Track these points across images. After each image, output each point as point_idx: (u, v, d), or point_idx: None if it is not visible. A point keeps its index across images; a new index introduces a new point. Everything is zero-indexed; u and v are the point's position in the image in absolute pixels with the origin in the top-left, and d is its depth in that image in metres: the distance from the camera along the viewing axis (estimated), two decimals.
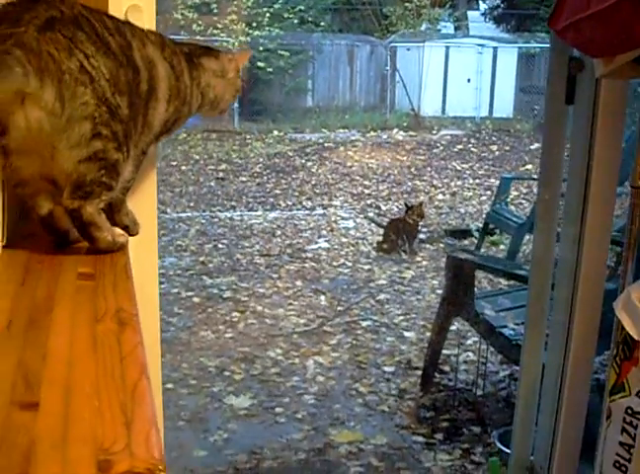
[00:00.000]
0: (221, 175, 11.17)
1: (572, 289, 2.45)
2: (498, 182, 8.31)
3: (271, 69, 15.86)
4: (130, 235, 1.31)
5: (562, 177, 2.58)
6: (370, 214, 9.07)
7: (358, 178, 11.10)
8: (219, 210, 9.26)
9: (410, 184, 10.74)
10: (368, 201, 9.75)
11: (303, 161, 12.33)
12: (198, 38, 15.17)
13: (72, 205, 1.16)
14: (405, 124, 15.46)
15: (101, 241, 1.20)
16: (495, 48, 16.84)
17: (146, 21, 1.52)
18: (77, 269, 1.15)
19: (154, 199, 1.58)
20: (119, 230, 1.26)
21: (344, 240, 7.86)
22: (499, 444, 3.38)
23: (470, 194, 10.18)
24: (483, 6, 21.74)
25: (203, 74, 1.37)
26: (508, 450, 3.06)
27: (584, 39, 1.87)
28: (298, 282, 6.39)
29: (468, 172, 11.54)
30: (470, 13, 21.30)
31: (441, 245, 7.75)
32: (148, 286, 1.61)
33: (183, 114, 1.34)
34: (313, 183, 10.83)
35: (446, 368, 4.55)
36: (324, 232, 8.18)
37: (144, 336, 0.98)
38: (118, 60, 1.16)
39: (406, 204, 7.59)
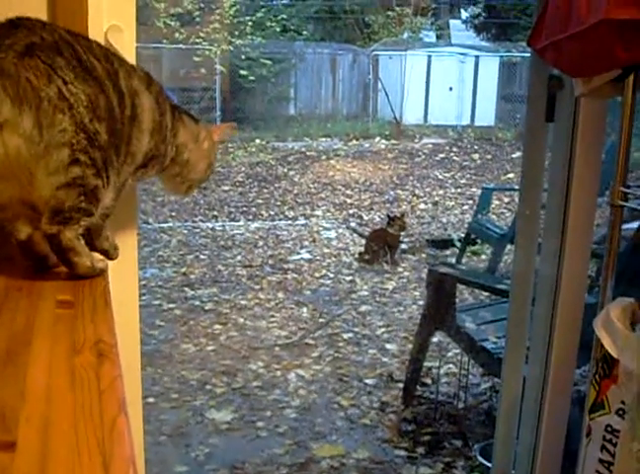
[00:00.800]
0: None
1: (552, 303, 2.46)
2: (480, 191, 8.34)
3: (253, 78, 15.85)
4: (110, 259, 1.30)
5: (542, 192, 2.59)
6: (352, 224, 9.07)
7: (340, 187, 11.11)
8: (201, 220, 9.23)
9: (392, 193, 10.75)
10: (350, 211, 9.75)
11: (285, 170, 12.33)
12: (180, 46, 15.16)
13: (51, 231, 1.15)
14: (387, 133, 15.49)
15: (80, 266, 1.19)
16: (477, 57, 16.91)
17: (126, 40, 1.52)
18: (56, 296, 1.14)
19: (135, 222, 1.58)
20: (98, 255, 1.25)
21: (326, 251, 7.85)
22: (480, 458, 3.39)
23: (452, 203, 10.20)
24: (465, 14, 21.82)
25: (183, 129, 1.37)
26: (489, 464, 3.06)
27: (563, 59, 1.88)
28: (280, 294, 6.37)
29: (450, 181, 11.57)
30: (452, 22, 21.38)
31: (423, 255, 7.76)
32: (128, 308, 1.61)
33: (160, 152, 1.33)
34: (295, 192, 10.83)
35: (428, 381, 4.55)
36: (306, 243, 8.18)
37: (124, 356, 0.98)
38: (99, 86, 1.16)
39: (388, 215, 7.59)
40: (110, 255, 1.32)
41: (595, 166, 2.30)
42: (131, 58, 1.40)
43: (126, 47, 1.47)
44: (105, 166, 1.17)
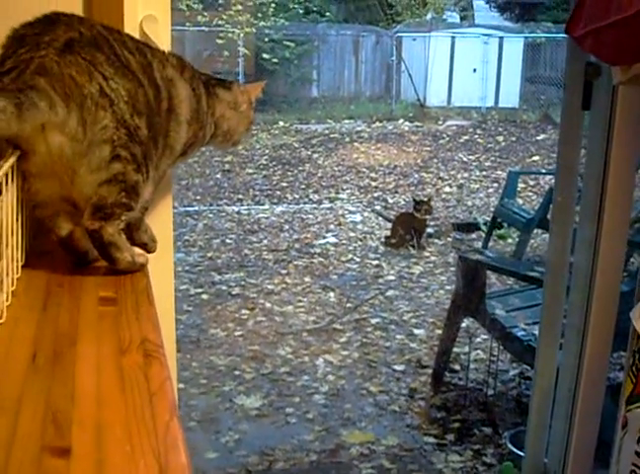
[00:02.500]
0: (227, 167, 11.12)
1: (587, 293, 2.44)
2: (504, 174, 8.28)
3: (276, 60, 15.84)
4: (149, 252, 1.30)
5: (578, 181, 2.57)
6: (378, 208, 9.03)
7: (364, 170, 11.05)
8: (226, 204, 9.22)
9: (416, 176, 10.69)
10: (375, 194, 9.71)
11: (309, 152, 12.28)
12: (203, 29, 15.13)
13: (92, 226, 1.15)
14: (411, 115, 15.40)
15: (121, 261, 1.19)
16: (501, 38, 16.73)
17: (162, 30, 1.51)
18: (98, 293, 1.14)
19: (170, 212, 1.57)
20: (138, 250, 1.25)
21: (351, 234, 7.83)
22: (510, 446, 3.37)
23: (477, 186, 10.13)
24: None
25: (219, 105, 1.36)
26: (519, 452, 3.06)
27: (602, 47, 1.86)
28: (307, 278, 6.37)
29: (475, 163, 11.48)
30: (476, 2, 21.20)
31: (449, 239, 7.73)
32: (164, 300, 1.60)
33: (198, 138, 1.33)
34: (319, 175, 10.79)
35: (457, 367, 4.53)
36: (332, 226, 8.15)
37: None
38: (137, 80, 1.15)
39: (414, 199, 7.54)
40: (149, 248, 1.31)
41: (632, 154, 2.27)
42: (167, 48, 1.38)
43: (162, 37, 1.47)
44: (145, 161, 1.17)
